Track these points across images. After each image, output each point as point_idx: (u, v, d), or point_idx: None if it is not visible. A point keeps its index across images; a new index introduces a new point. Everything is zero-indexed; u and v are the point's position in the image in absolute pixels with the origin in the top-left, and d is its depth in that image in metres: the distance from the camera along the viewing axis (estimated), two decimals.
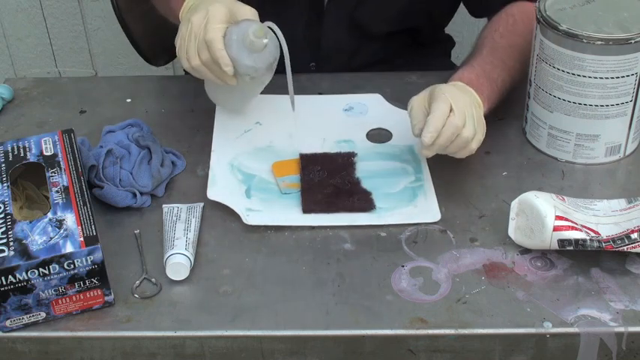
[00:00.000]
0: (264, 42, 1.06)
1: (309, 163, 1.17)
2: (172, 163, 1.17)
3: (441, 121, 1.04)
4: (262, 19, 1.09)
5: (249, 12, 1.10)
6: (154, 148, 1.15)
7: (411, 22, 1.42)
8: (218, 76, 1.10)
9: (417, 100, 1.10)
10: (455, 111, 1.05)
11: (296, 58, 1.11)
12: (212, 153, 1.19)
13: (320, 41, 1.40)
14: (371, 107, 1.29)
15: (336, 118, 1.27)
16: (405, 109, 1.26)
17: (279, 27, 1.08)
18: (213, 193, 1.11)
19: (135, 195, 1.10)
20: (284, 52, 1.07)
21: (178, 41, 1.11)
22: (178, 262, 0.99)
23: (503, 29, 1.25)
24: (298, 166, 1.17)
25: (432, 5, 1.41)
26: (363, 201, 1.10)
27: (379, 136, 1.24)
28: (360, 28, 1.39)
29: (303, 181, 1.14)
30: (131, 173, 1.12)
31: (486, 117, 1.13)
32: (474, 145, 1.08)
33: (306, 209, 1.09)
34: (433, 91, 1.09)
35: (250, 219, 1.07)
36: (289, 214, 1.09)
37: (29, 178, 1.07)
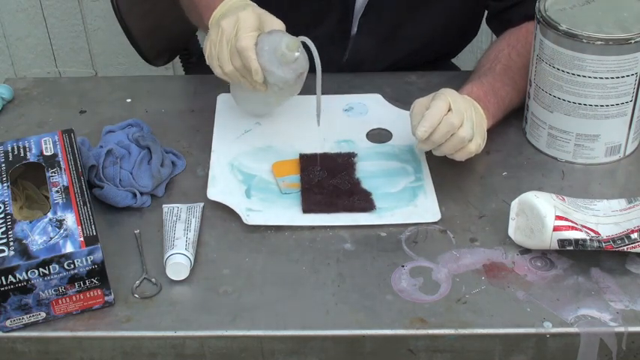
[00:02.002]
0: (295, 55, 1.08)
1: (309, 164, 1.17)
2: (172, 163, 1.17)
3: (437, 117, 1.05)
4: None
5: (277, 22, 1.10)
6: (154, 148, 1.15)
7: (445, 39, 1.41)
8: (249, 82, 1.11)
9: (419, 102, 1.10)
10: (453, 110, 1.05)
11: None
12: (212, 153, 1.19)
13: (343, 55, 1.40)
14: (371, 107, 1.29)
15: (336, 118, 1.27)
16: (405, 109, 1.27)
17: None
18: (214, 193, 1.11)
19: (135, 195, 1.10)
20: (317, 67, 1.07)
21: (208, 47, 1.11)
22: (178, 262, 0.99)
23: (521, 47, 1.24)
24: (298, 166, 1.17)
25: (465, 22, 1.41)
26: (363, 201, 1.10)
27: (379, 136, 1.24)
28: (395, 44, 1.38)
29: (303, 181, 1.14)
30: (131, 173, 1.11)
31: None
32: (473, 148, 1.08)
33: (306, 209, 1.09)
34: (436, 93, 1.09)
35: (250, 219, 1.07)
36: (289, 214, 1.09)
37: (29, 178, 1.07)
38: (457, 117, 1.05)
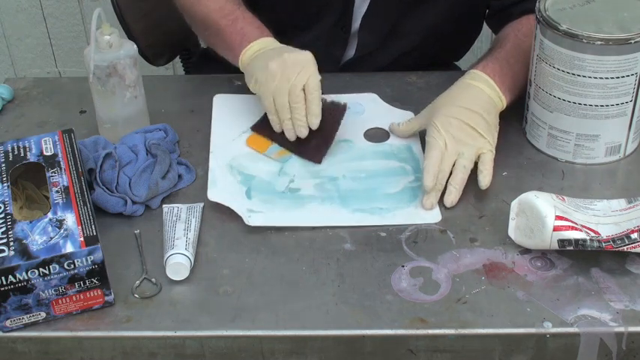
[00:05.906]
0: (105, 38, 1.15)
1: (271, 130, 1.19)
2: (180, 176, 1.14)
3: (435, 167, 1.09)
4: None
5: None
6: (160, 158, 1.13)
7: (446, 35, 1.41)
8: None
9: (432, 160, 1.11)
10: (445, 154, 1.10)
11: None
12: (210, 154, 1.19)
13: (344, 51, 1.40)
14: (367, 107, 1.29)
15: None
16: (405, 108, 1.27)
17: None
18: (214, 195, 1.11)
19: (126, 202, 1.09)
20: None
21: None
22: (178, 262, 0.99)
23: (527, 30, 1.24)
24: (266, 137, 1.20)
25: (466, 19, 1.41)
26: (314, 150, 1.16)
27: (376, 135, 1.24)
28: (395, 40, 1.39)
29: (286, 145, 1.17)
30: (130, 180, 1.10)
31: None
32: (489, 157, 1.12)
33: (318, 160, 1.16)
34: (427, 133, 1.13)
35: (252, 220, 1.07)
36: (290, 214, 1.09)
37: (29, 178, 1.07)
38: (449, 159, 1.09)
